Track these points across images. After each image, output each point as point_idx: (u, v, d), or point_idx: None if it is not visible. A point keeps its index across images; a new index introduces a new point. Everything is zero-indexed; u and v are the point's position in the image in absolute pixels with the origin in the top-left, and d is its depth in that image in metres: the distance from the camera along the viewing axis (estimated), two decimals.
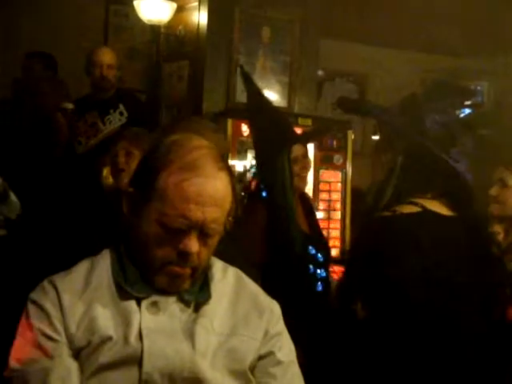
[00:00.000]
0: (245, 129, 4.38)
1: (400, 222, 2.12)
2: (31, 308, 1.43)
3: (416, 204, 2.14)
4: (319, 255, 2.94)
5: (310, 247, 2.92)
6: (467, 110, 2.53)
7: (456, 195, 2.19)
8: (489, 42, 6.62)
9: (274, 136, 2.84)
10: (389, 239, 2.12)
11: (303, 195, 3.08)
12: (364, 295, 2.18)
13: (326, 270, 2.98)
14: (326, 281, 2.94)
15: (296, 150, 2.93)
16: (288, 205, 2.81)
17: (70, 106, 4.01)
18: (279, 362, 1.53)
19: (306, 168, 2.96)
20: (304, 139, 3.04)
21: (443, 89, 2.54)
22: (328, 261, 3.07)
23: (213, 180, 1.43)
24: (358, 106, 3.35)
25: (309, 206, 3.08)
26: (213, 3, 4.74)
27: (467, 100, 2.53)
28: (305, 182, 2.98)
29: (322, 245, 3.06)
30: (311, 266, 2.90)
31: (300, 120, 4.59)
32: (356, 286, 2.19)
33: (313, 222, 3.06)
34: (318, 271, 2.92)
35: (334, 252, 4.59)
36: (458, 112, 2.46)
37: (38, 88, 3.96)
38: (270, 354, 1.53)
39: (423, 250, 2.07)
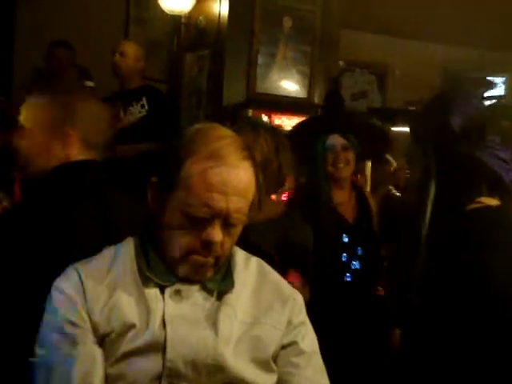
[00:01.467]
0: (265, 119, 4.38)
1: (496, 213, 2.15)
2: (55, 294, 1.44)
3: (491, 197, 2.18)
4: (359, 248, 2.93)
5: (344, 235, 2.92)
6: (489, 102, 2.52)
7: (498, 189, 2.21)
8: (510, 34, 6.56)
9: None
10: (492, 229, 2.13)
11: (358, 188, 3.08)
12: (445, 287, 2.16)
13: (365, 265, 2.94)
14: (359, 274, 2.92)
15: (332, 138, 2.95)
16: (317, 191, 2.92)
17: (90, 83, 4.20)
18: (302, 352, 1.53)
19: (341, 158, 2.95)
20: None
21: (463, 82, 2.54)
22: (374, 258, 3.02)
23: (237, 169, 1.43)
24: (387, 114, 3.38)
25: (365, 202, 3.06)
26: None
27: (487, 91, 2.52)
28: (343, 172, 2.96)
29: (368, 240, 3.00)
30: (345, 255, 2.90)
31: (320, 111, 4.58)
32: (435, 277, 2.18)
33: (364, 216, 3.02)
34: (353, 262, 2.92)
35: None
36: (481, 103, 2.45)
37: (64, 74, 3.99)
38: (293, 343, 1.53)
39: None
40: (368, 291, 2.97)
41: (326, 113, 3.16)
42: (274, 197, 2.59)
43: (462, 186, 2.19)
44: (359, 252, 2.93)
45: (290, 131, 3.29)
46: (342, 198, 2.98)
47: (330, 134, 2.94)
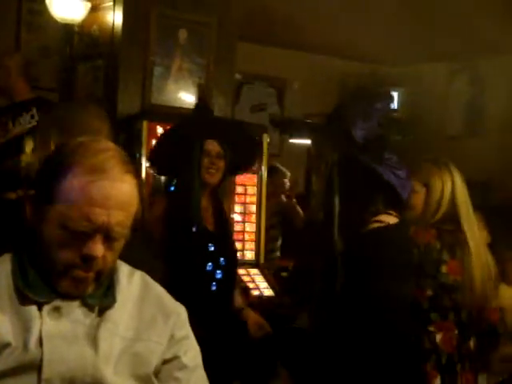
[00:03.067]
0: (160, 131, 4.35)
1: (395, 232, 2.24)
2: None
3: (390, 213, 2.26)
4: (221, 258, 2.96)
5: (210, 244, 2.95)
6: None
7: (396, 205, 2.29)
8: (404, 50, 6.81)
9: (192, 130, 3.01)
10: (394, 249, 2.23)
11: (215, 195, 3.11)
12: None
13: (227, 273, 2.98)
14: (222, 283, 2.96)
15: (209, 144, 2.99)
16: (191, 195, 2.94)
17: None
18: (184, 366, 1.53)
19: (215, 164, 2.98)
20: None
21: (364, 94, 2.60)
22: (233, 265, 3.09)
23: (119, 183, 1.41)
24: (289, 127, 3.43)
25: (219, 207, 3.10)
26: (128, 3, 4.67)
27: (388, 104, 2.60)
28: (213, 178, 3.00)
29: (228, 247, 3.08)
30: (210, 264, 2.92)
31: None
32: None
33: (221, 222, 3.07)
34: (217, 271, 2.95)
35: (250, 255, 4.63)
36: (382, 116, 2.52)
37: None
38: (175, 358, 1.52)
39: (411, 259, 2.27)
40: (227, 302, 3.01)
41: (197, 118, 3.19)
42: None
43: (361, 200, 2.25)
44: (222, 262, 2.96)
45: (162, 136, 3.32)
46: (204, 204, 3.02)
47: (205, 140, 2.98)
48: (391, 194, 2.25)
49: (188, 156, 2.97)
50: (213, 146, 3.00)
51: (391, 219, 2.25)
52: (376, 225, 2.22)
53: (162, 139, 3.23)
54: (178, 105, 4.86)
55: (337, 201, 2.24)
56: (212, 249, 2.94)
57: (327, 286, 2.24)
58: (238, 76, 6.10)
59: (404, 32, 6.10)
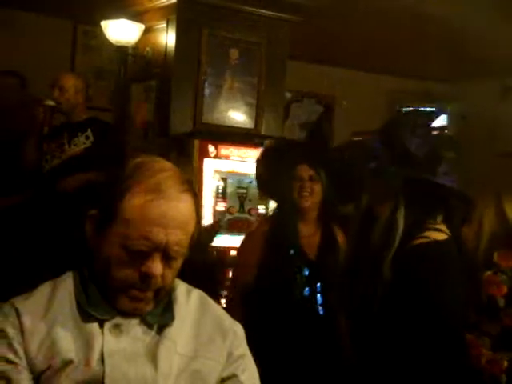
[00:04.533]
0: (211, 149, 4.40)
1: (440, 247, 2.21)
2: None
3: (439, 230, 2.23)
4: (317, 284, 2.93)
5: (305, 269, 2.91)
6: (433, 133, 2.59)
7: (454, 217, 2.28)
8: (454, 67, 6.74)
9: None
10: (437, 265, 2.20)
11: (327, 223, 3.03)
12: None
13: (324, 300, 2.92)
14: (318, 309, 2.91)
15: (301, 167, 2.97)
16: (283, 217, 2.94)
17: (51, 102, 4.19)
18: None
19: (307, 188, 2.95)
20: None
21: (414, 113, 2.60)
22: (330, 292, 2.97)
23: (176, 202, 1.44)
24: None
25: (329, 235, 3.01)
26: (180, 25, 4.76)
27: (432, 122, 2.59)
28: (307, 202, 2.96)
29: (327, 275, 2.95)
30: (307, 289, 2.90)
31: (267, 141, 4.61)
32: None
33: (326, 250, 2.97)
34: (318, 296, 2.91)
35: None
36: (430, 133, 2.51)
37: (14, 105, 3.99)
38: (233, 376, 1.53)
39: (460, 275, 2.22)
40: (329, 328, 2.92)
41: (300, 143, 3.16)
42: None
43: (423, 216, 2.25)
44: (318, 288, 2.92)
45: (262, 156, 3.24)
46: (306, 232, 2.97)
47: (298, 165, 2.96)
48: (450, 209, 2.25)
49: (280, 178, 2.96)
50: (304, 169, 2.96)
51: (438, 235, 2.22)
52: (420, 240, 2.21)
53: (258, 160, 3.19)
54: (228, 124, 4.91)
55: (401, 228, 2.22)
56: (306, 274, 2.92)
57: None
58: (287, 94, 6.13)
59: (454, 48, 6.04)
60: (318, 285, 2.91)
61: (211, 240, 4.02)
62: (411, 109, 6.47)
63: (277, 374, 2.67)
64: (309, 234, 2.98)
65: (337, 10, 5.36)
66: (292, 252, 2.89)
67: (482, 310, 2.57)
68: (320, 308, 2.89)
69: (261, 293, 2.90)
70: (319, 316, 2.88)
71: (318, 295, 2.90)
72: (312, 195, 2.95)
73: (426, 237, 2.20)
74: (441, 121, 7.59)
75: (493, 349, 2.53)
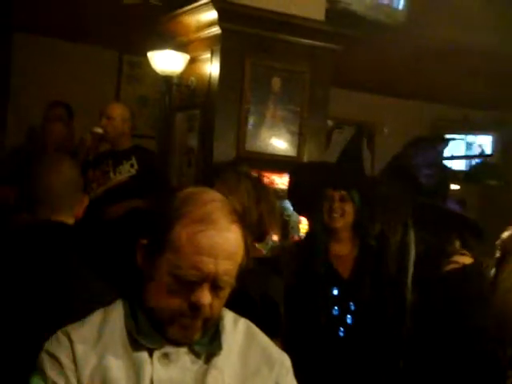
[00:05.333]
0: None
1: (472, 272, 2.27)
2: (45, 359, 1.44)
3: (464, 254, 2.29)
4: (351, 303, 2.90)
5: (335, 288, 2.86)
6: (474, 161, 2.64)
7: (472, 241, 2.30)
8: (498, 94, 6.70)
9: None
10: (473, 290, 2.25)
11: (366, 244, 2.94)
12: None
13: (356, 320, 2.84)
14: (351, 329, 2.88)
15: (330, 189, 2.91)
16: (312, 238, 2.92)
17: (100, 130, 4.29)
18: None
19: (335, 209, 2.90)
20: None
21: (426, 143, 2.61)
22: (364, 313, 2.88)
23: (226, 233, 1.46)
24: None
25: (369, 257, 2.93)
26: (224, 55, 4.83)
27: (444, 148, 2.61)
28: (337, 223, 2.88)
29: (360, 295, 2.88)
30: (336, 308, 2.84)
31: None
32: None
33: (361, 271, 2.90)
34: (348, 316, 2.89)
35: None
36: (443, 162, 2.54)
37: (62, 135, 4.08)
38: None
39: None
40: (363, 348, 2.85)
41: (331, 163, 3.14)
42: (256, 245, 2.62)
43: (438, 243, 2.26)
44: (352, 307, 2.90)
45: (292, 177, 3.22)
46: (339, 251, 2.93)
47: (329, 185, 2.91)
48: (464, 233, 2.27)
49: (311, 199, 2.92)
50: (335, 189, 2.90)
51: (466, 259, 2.25)
52: (452, 266, 2.24)
53: (291, 179, 3.16)
54: (271, 152, 4.94)
55: (413, 251, 2.24)
56: (335, 293, 2.91)
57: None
58: (329, 122, 6.14)
59: (495, 76, 6.01)
60: (351, 304, 2.85)
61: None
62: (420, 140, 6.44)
63: None
64: (343, 253, 2.93)
65: (378, 39, 5.38)
66: (315, 270, 2.87)
67: None
68: (347, 328, 2.85)
69: (290, 313, 2.91)
70: (342, 337, 2.85)
71: (349, 315, 2.87)
72: (343, 216, 2.89)
73: (456, 262, 2.22)
74: (485, 149, 7.53)
75: None
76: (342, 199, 2.89)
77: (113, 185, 4.31)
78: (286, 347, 2.55)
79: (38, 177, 2.15)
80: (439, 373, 2.16)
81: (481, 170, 6.04)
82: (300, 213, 3.21)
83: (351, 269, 2.91)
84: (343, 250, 2.93)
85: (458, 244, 2.31)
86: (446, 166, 2.52)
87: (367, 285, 2.86)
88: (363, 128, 3.17)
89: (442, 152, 2.49)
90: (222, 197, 1.54)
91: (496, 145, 7.40)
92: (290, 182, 3.13)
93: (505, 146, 7.37)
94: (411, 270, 2.24)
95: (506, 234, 3.29)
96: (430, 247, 2.27)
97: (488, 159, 6.97)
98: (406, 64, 6.06)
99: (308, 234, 3.08)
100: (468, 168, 6.79)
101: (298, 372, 1.63)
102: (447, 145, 2.62)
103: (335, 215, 2.88)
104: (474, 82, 6.35)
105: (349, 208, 2.89)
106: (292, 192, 3.08)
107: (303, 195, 2.97)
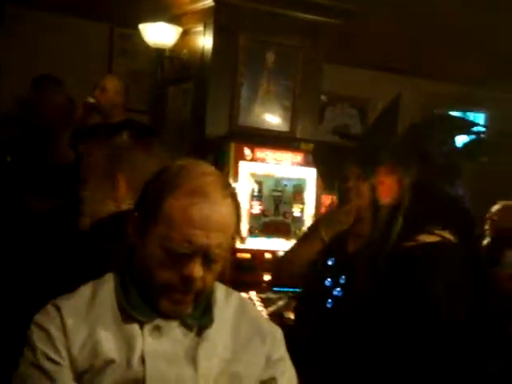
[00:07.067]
0: (247, 152, 4.40)
1: (429, 250, 2.24)
2: (35, 331, 1.43)
3: (433, 233, 2.26)
4: (343, 276, 2.88)
5: (330, 260, 2.83)
6: (468, 138, 2.62)
7: (461, 227, 2.28)
8: (491, 70, 6.67)
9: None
10: (427, 267, 2.23)
11: (366, 223, 2.86)
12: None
13: (347, 295, 2.79)
14: (340, 302, 2.87)
15: (347, 169, 2.84)
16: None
17: (92, 100, 4.31)
18: None
19: (352, 189, 2.80)
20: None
21: (442, 121, 2.61)
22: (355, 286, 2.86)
23: (219, 206, 1.44)
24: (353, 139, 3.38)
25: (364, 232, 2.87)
26: (218, 28, 4.77)
27: (464, 133, 2.60)
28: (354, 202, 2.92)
29: (357, 270, 2.80)
30: (329, 279, 2.81)
31: (302, 145, 4.61)
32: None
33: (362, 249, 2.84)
34: (337, 289, 2.87)
35: None
36: (457, 141, 2.53)
37: (51, 105, 4.03)
38: (272, 379, 1.53)
39: (448, 277, 2.23)
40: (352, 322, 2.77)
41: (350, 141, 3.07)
42: None
43: (423, 221, 2.27)
44: (342, 280, 2.88)
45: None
46: (361, 231, 2.83)
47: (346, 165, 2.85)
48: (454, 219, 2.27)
49: (331, 178, 2.93)
50: (351, 169, 2.82)
51: (428, 238, 2.25)
52: (425, 239, 2.26)
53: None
54: (264, 127, 4.91)
55: (400, 221, 2.25)
56: (329, 263, 2.88)
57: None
58: (322, 97, 6.11)
59: (492, 53, 5.99)
60: (342, 277, 2.80)
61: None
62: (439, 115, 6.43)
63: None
64: (364, 233, 2.82)
65: (374, 13, 5.34)
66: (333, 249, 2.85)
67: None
68: (335, 300, 2.85)
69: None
70: (328, 308, 2.84)
71: (338, 288, 2.86)
72: (359, 196, 2.80)
73: (416, 240, 2.24)
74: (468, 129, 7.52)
75: None
76: (359, 178, 2.81)
77: None
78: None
79: None
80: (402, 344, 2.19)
81: (473, 147, 6.03)
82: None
83: (355, 246, 2.85)
84: (365, 230, 2.84)
85: (439, 225, 2.31)
86: (474, 145, 2.52)
87: (361, 260, 2.77)
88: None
89: (461, 133, 2.49)
90: (215, 170, 1.53)
91: (490, 122, 7.39)
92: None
93: (499, 123, 7.36)
94: (392, 243, 2.25)
95: (495, 208, 3.35)
96: (411, 225, 2.28)
97: (481, 136, 6.98)
98: (403, 40, 6.02)
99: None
100: (461, 145, 6.79)
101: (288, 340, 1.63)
102: (468, 128, 2.63)
103: (352, 195, 2.81)
104: (471, 59, 6.32)
105: (366, 187, 2.80)
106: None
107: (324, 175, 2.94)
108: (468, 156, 2.56)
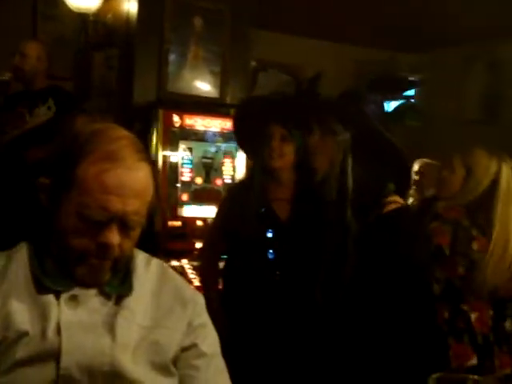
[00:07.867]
0: (176, 119, 4.34)
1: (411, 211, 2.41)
2: None
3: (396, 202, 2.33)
4: (281, 245, 2.79)
5: (270, 230, 2.80)
6: (398, 101, 2.66)
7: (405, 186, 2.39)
8: (420, 37, 6.75)
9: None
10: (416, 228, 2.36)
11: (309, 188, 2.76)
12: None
13: (283, 260, 2.79)
14: (286, 273, 2.77)
15: (271, 128, 2.78)
16: (252, 177, 2.89)
17: (6, 77, 4.13)
18: (203, 354, 1.52)
19: (275, 149, 2.75)
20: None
21: (383, 81, 2.65)
22: (294, 254, 2.78)
23: (134, 171, 1.41)
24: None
25: (310, 202, 2.75)
26: None
27: (406, 90, 2.65)
28: (276, 163, 2.77)
29: (294, 237, 2.79)
30: (271, 251, 2.79)
31: (232, 111, 4.56)
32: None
33: (302, 218, 2.78)
34: (284, 260, 2.78)
35: None
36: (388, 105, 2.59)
37: None
38: (193, 345, 1.51)
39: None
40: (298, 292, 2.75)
41: (274, 100, 2.99)
42: None
43: (375, 178, 2.30)
44: (287, 251, 2.82)
45: (236, 114, 3.07)
46: (281, 194, 2.83)
47: (270, 124, 2.77)
48: (399, 173, 2.33)
49: (253, 137, 2.81)
50: (276, 128, 2.77)
51: (401, 200, 2.35)
52: (394, 206, 2.30)
53: (234, 117, 3.03)
54: (193, 93, 4.85)
55: (351, 180, 2.28)
56: (269, 235, 2.80)
57: (337, 265, 2.29)
58: (253, 63, 6.08)
59: (425, 17, 6.04)
60: (281, 246, 2.79)
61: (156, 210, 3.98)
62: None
63: (240, 338, 2.67)
64: (284, 197, 2.83)
65: None
66: (261, 211, 2.81)
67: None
68: (281, 272, 2.81)
69: (229, 254, 2.89)
70: (276, 280, 2.81)
71: (285, 259, 2.81)
72: (283, 156, 2.78)
73: (395, 202, 2.32)
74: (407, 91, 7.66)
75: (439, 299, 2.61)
76: (283, 139, 2.77)
77: (29, 127, 4.15)
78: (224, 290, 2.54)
79: None
80: (377, 309, 2.23)
81: (402, 111, 6.13)
82: (246, 152, 3.12)
83: (290, 212, 2.82)
84: (285, 193, 2.83)
85: (392, 186, 2.36)
86: (404, 109, 2.60)
87: (304, 227, 2.75)
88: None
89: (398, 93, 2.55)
90: (129, 134, 1.48)
91: (420, 86, 7.51)
92: (236, 117, 2.99)
93: (428, 87, 7.48)
94: (349, 194, 2.28)
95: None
96: (368, 181, 2.32)
97: (410, 101, 7.11)
98: (333, 5, 6.00)
99: (249, 174, 3.02)
100: (392, 109, 6.93)
101: (233, 312, 1.62)
102: (409, 86, 2.71)
103: (275, 155, 2.76)
104: (402, 24, 6.36)
105: (289, 148, 2.78)
106: (237, 128, 2.94)
107: (248, 132, 2.86)
108: (397, 120, 2.61)
